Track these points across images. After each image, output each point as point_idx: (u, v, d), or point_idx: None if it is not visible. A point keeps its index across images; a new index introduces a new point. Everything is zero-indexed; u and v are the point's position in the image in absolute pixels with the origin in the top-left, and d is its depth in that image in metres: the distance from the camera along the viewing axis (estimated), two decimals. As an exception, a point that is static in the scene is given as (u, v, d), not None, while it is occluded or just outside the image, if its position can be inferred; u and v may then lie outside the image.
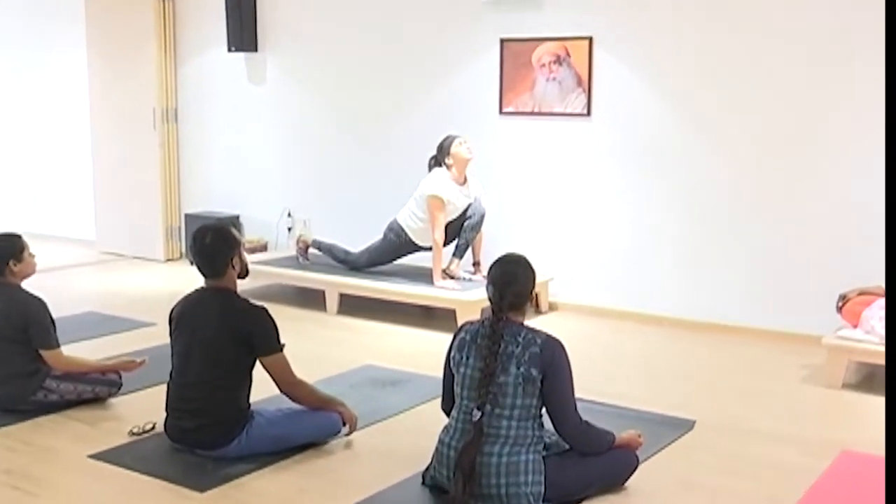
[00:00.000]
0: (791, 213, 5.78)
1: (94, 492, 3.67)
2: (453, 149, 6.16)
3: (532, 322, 3.55)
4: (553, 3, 6.42)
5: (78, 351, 4.86)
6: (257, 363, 3.93)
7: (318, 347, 5.64)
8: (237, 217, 8.04)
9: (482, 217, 6.28)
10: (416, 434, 4.16)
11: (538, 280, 3.67)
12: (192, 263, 4.05)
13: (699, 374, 5.24)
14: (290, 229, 7.76)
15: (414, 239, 6.35)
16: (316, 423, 4.03)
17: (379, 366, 5.27)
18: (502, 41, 6.61)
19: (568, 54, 6.37)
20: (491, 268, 3.54)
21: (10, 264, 4.45)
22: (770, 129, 5.79)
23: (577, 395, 3.44)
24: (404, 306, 6.31)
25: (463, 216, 6.24)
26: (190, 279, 4.58)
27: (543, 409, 3.40)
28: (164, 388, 4.06)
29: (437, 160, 6.26)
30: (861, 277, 5.27)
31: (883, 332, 4.70)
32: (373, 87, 7.27)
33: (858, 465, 3.91)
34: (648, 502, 3.55)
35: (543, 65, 6.48)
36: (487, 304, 3.53)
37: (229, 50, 7.83)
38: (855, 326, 5.01)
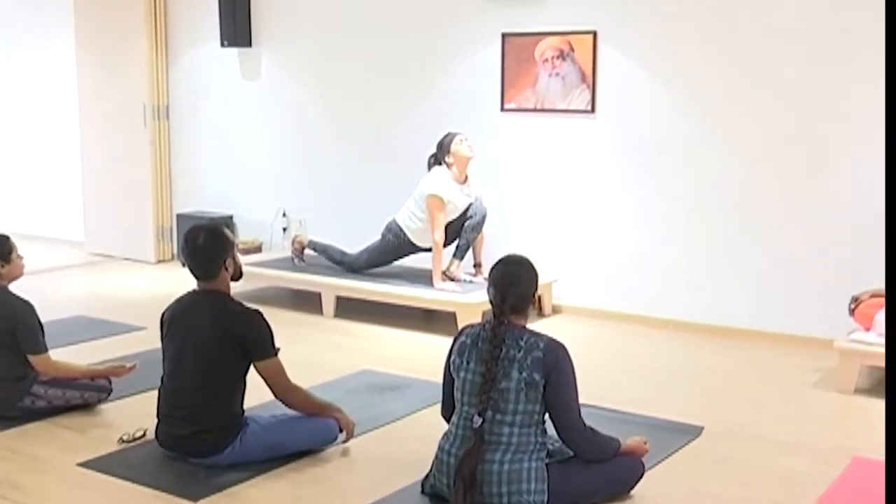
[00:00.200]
0: (803, 213, 5.79)
1: (82, 501, 3.68)
2: (454, 147, 6.17)
3: (535, 325, 3.56)
4: (556, -4, 6.44)
5: (66, 355, 4.87)
6: (251, 368, 3.93)
7: (314, 352, 5.64)
8: (230, 217, 8.04)
9: (483, 217, 6.28)
10: (415, 441, 4.17)
11: (541, 282, 3.67)
12: (183, 265, 4.06)
13: (707, 379, 5.24)
14: (285, 230, 7.76)
15: (413, 240, 6.35)
16: (312, 430, 4.03)
17: (377, 371, 5.27)
18: (504, 35, 6.61)
19: (571, 49, 6.38)
20: (492, 269, 3.54)
21: (-2, 266, 4.46)
22: (783, 126, 5.80)
23: (581, 400, 3.45)
24: (403, 309, 6.31)
25: (463, 216, 6.24)
26: (182, 281, 4.59)
27: (546, 415, 3.41)
28: (154, 393, 4.07)
29: (437, 158, 6.26)
30: (874, 279, 5.26)
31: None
32: (371, 83, 7.27)
33: (871, 473, 3.90)
34: (655, 511, 3.56)
35: (546, 60, 6.48)
36: (489, 306, 3.54)
37: (222, 44, 7.83)
38: (868, 329, 5.00)
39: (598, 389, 4.64)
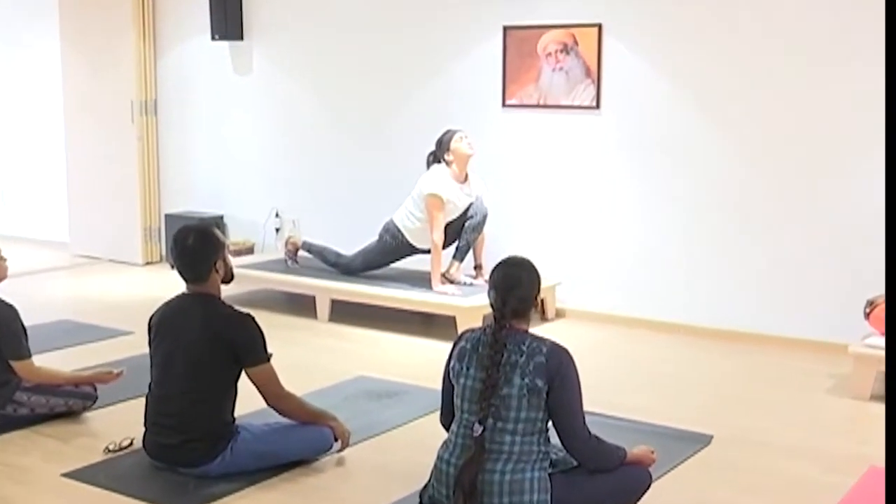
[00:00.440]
0: (815, 213, 5.79)
1: (67, 512, 3.68)
2: (453, 144, 6.17)
3: (537, 329, 3.55)
4: (559, -13, 6.44)
5: (50, 361, 4.86)
6: (243, 374, 3.93)
7: (308, 357, 5.65)
8: (221, 217, 8.04)
9: (484, 217, 6.28)
10: (412, 450, 4.17)
11: (544, 284, 3.66)
12: (172, 267, 4.06)
13: (716, 385, 5.24)
14: (278, 230, 7.76)
15: (411, 240, 6.35)
16: (305, 439, 4.03)
17: (373, 377, 5.27)
18: (505, 28, 6.61)
19: (575, 42, 6.38)
20: (493, 271, 3.53)
21: (-21, 269, 4.46)
22: (783, 126, 5.82)
23: (586, 407, 3.44)
24: (401, 313, 6.31)
25: (464, 216, 6.24)
26: (170, 284, 4.59)
27: (549, 423, 3.40)
28: (142, 401, 4.07)
29: (436, 156, 6.26)
30: (874, 279, 5.27)
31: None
32: (367, 78, 7.27)
33: (887, 483, 3.91)
34: (662, 523, 3.56)
35: (549, 54, 6.48)
36: (489, 310, 3.53)
37: (213, 38, 7.83)
38: (883, 334, 5.00)
39: (604, 396, 4.64)
